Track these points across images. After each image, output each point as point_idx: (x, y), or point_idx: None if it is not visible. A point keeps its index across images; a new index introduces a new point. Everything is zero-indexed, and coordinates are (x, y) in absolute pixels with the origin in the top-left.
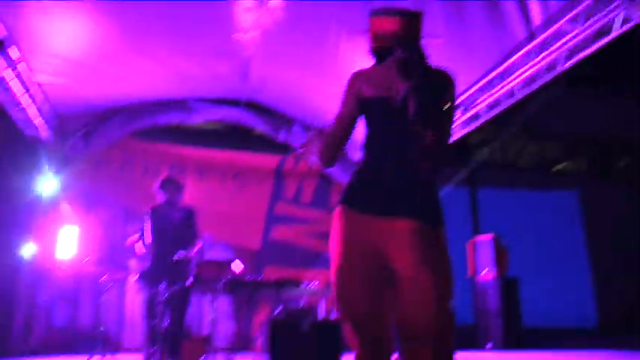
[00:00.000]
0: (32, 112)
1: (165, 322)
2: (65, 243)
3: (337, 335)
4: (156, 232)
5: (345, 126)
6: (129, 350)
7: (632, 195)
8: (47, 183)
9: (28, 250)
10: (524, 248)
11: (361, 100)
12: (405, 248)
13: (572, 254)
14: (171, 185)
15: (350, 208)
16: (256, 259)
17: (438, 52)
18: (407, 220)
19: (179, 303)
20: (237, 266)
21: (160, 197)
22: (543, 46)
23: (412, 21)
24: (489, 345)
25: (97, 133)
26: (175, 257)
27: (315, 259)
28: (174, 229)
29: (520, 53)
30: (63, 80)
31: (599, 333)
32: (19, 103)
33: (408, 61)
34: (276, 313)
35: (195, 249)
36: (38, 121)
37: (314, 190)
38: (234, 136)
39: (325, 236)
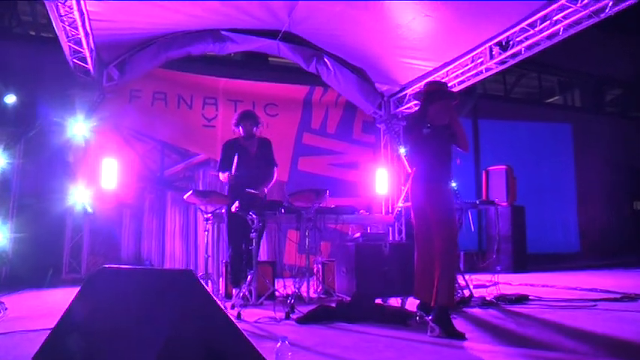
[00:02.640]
0: (82, 43)
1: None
2: (107, 175)
3: (410, 253)
4: (237, 164)
5: None
6: None
7: (621, 128)
8: (87, 114)
9: (72, 180)
10: (519, 178)
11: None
12: None
13: (563, 185)
14: (250, 119)
15: None
16: (284, 191)
17: None
18: None
19: (262, 229)
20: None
21: (239, 131)
22: None
23: None
24: (499, 268)
25: (132, 63)
26: (254, 190)
27: (340, 189)
28: (254, 159)
29: None
30: (106, 9)
31: (581, 257)
32: (69, 34)
33: None
34: (354, 237)
35: (274, 178)
36: (84, 52)
37: (339, 120)
38: (261, 65)
39: (349, 166)
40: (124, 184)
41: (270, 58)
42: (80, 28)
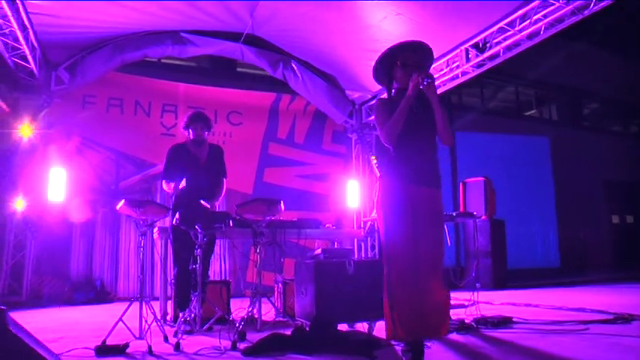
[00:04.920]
0: (18, 39)
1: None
2: (55, 186)
3: (379, 273)
4: (185, 171)
5: None
6: (124, 300)
7: (598, 141)
8: (33, 120)
9: (15, 193)
10: (497, 191)
11: None
12: None
13: (542, 199)
14: (201, 122)
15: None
16: None
17: None
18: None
19: (209, 245)
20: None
21: (187, 135)
22: None
23: None
24: (478, 285)
25: (84, 65)
26: (204, 203)
27: (309, 202)
28: (203, 167)
29: None
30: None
31: (561, 273)
32: (4, 29)
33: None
34: (315, 254)
35: (224, 188)
36: (23, 50)
37: (307, 130)
38: (228, 73)
39: (318, 178)
40: (75, 196)
41: (238, 68)
42: (12, 20)
